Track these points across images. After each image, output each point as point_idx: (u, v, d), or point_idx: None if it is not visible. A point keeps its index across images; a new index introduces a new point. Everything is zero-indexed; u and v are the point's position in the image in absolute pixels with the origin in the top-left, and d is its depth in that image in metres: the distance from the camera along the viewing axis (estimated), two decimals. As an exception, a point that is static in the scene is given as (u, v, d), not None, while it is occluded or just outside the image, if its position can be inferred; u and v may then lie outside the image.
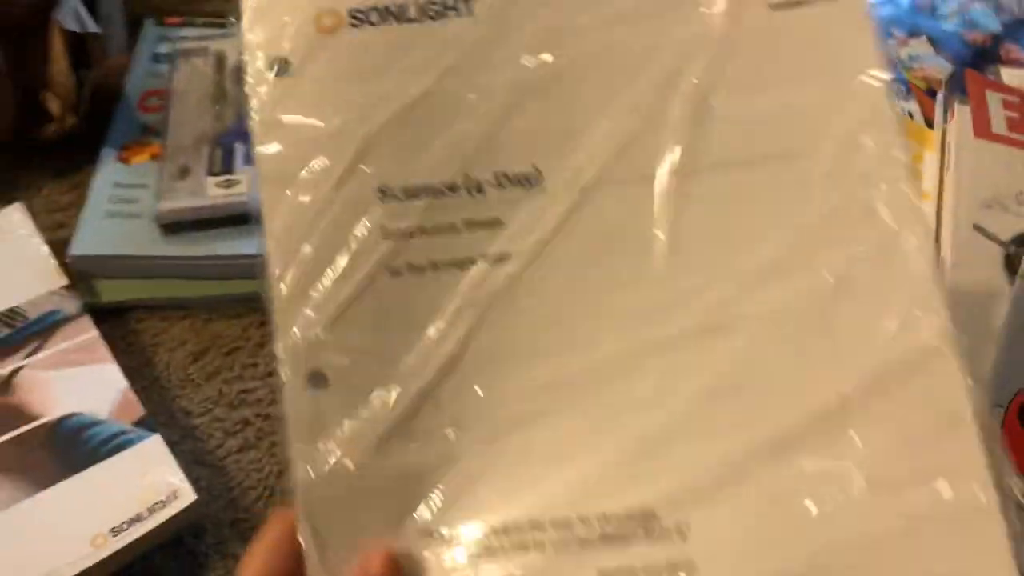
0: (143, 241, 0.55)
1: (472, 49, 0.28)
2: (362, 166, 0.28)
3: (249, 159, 0.57)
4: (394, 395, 0.26)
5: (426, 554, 0.25)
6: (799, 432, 0.25)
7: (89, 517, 0.45)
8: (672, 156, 0.27)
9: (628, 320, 0.26)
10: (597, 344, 0.26)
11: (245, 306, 0.57)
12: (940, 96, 0.63)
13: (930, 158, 0.59)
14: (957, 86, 0.61)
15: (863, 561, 0.24)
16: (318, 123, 0.28)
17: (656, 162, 0.27)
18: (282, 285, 0.27)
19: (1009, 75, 0.70)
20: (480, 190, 0.27)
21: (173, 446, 0.50)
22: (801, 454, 0.24)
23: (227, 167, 0.57)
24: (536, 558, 0.24)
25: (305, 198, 0.28)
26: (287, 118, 0.29)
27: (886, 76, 0.28)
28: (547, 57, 0.28)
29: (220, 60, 0.63)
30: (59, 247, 0.55)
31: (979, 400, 0.26)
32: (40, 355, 0.51)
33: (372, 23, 0.28)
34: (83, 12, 0.61)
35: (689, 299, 0.26)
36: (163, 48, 0.65)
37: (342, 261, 0.27)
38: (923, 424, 0.25)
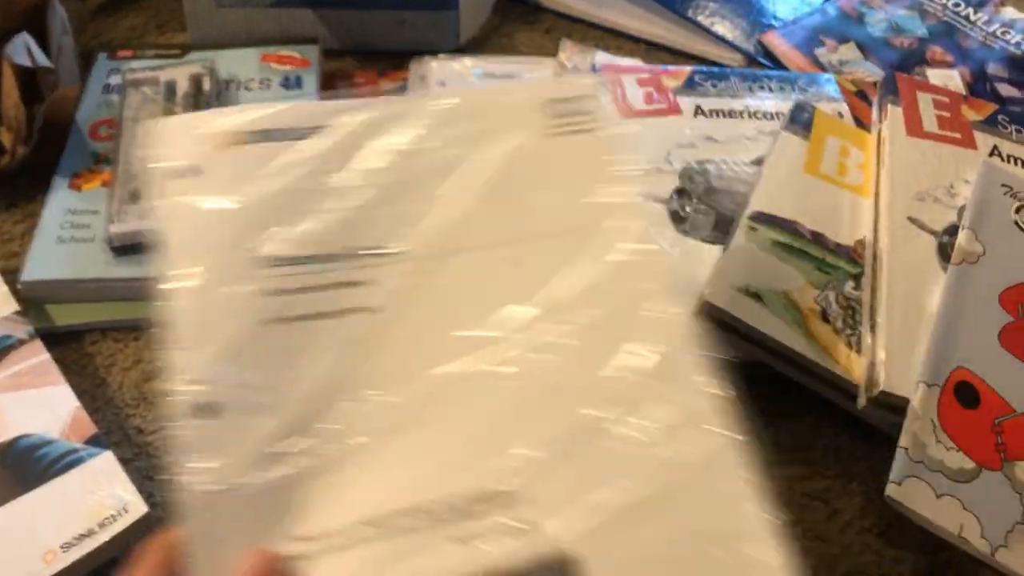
0: (95, 264, 0.56)
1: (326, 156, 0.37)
2: (253, 243, 0.35)
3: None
4: (270, 422, 0.31)
5: (298, 557, 0.29)
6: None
7: (41, 534, 0.45)
8: (477, 234, 0.37)
9: (450, 356, 0.34)
10: (430, 374, 0.33)
11: (198, 324, 0.58)
12: (875, 99, 0.66)
13: (856, 153, 0.61)
14: (890, 88, 0.64)
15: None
16: (225, 205, 0.36)
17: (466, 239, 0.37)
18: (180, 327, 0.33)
19: (935, 76, 0.73)
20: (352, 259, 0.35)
21: (126, 463, 0.51)
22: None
23: (176, 189, 0.58)
24: (402, 541, 0.29)
25: (203, 266, 0.35)
26: (192, 204, 0.36)
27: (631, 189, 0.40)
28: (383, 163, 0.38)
29: (170, 87, 0.65)
30: (11, 275, 0.56)
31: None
32: (-9, 379, 0.51)
33: (249, 143, 0.38)
34: (34, 47, 0.62)
35: (485, 344, 0.34)
36: (114, 80, 0.67)
37: (233, 313, 0.33)
38: None
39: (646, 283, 0.37)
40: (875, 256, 0.54)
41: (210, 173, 0.36)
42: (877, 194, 0.57)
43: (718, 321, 0.53)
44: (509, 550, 0.29)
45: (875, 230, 0.56)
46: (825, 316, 0.53)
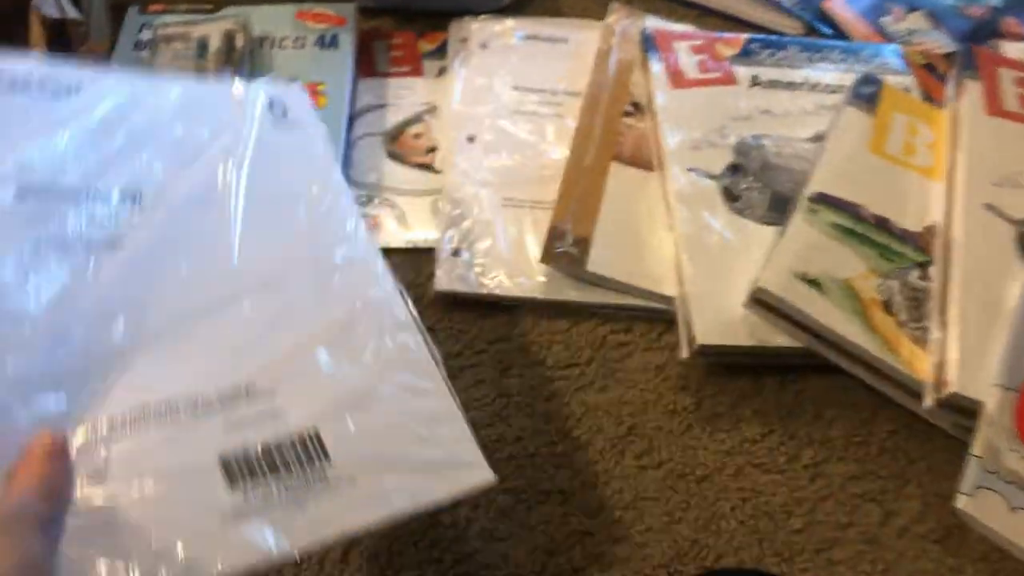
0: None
1: None
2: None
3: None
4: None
5: (77, 439, 0.35)
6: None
7: None
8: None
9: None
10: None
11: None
12: (951, 73, 0.61)
13: (926, 132, 0.57)
14: (967, 63, 0.59)
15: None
16: None
17: None
18: None
19: (1009, 49, 0.68)
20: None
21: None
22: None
23: (207, 151, 0.56)
24: (172, 427, 0.36)
25: None
26: None
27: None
28: None
29: (202, 45, 0.62)
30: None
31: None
32: None
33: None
34: (63, -1, 0.60)
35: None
36: (146, 35, 0.65)
37: None
38: None
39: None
40: (947, 245, 0.51)
41: None
42: (951, 178, 0.53)
43: (770, 308, 0.50)
44: (267, 431, 0.37)
45: (948, 217, 0.52)
46: (888, 307, 0.49)
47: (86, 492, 0.34)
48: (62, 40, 0.60)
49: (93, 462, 0.35)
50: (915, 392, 0.48)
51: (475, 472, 0.40)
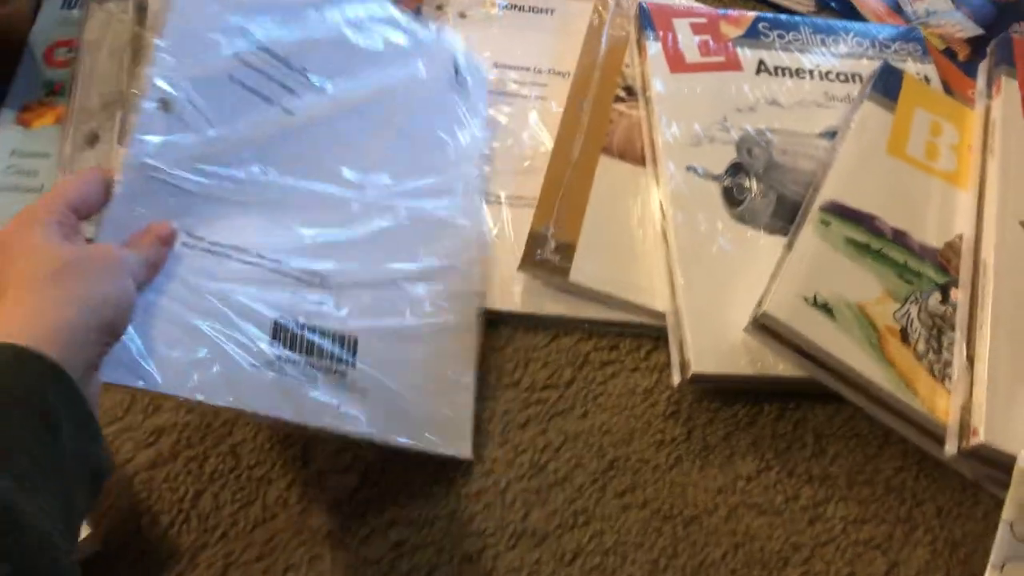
0: (42, 221, 0.48)
1: None
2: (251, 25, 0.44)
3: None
4: (205, 144, 0.40)
5: (185, 250, 0.38)
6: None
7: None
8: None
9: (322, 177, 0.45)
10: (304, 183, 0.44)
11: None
12: (983, 68, 0.55)
13: (950, 132, 0.51)
14: (1003, 55, 0.52)
15: None
16: None
17: None
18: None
19: (1041, 36, 0.62)
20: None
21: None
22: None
23: (140, 135, 0.49)
24: (253, 272, 0.40)
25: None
26: None
27: None
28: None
29: (141, 6, 0.54)
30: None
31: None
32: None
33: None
34: (-23, -51, 0.52)
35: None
36: (76, -8, 0.57)
37: (213, 55, 0.42)
38: None
39: None
40: (976, 267, 0.45)
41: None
42: (982, 190, 0.47)
43: (774, 335, 0.44)
44: (319, 317, 0.42)
45: (977, 235, 0.46)
46: (905, 336, 0.44)
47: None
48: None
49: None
50: (933, 434, 0.43)
51: (461, 444, 0.45)
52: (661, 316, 0.49)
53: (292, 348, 0.40)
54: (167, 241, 0.37)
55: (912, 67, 0.58)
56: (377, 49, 0.49)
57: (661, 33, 0.57)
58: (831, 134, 0.53)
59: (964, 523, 0.46)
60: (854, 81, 0.56)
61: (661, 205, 0.51)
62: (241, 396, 0.38)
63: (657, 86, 0.54)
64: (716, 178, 0.51)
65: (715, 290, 0.47)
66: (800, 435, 0.48)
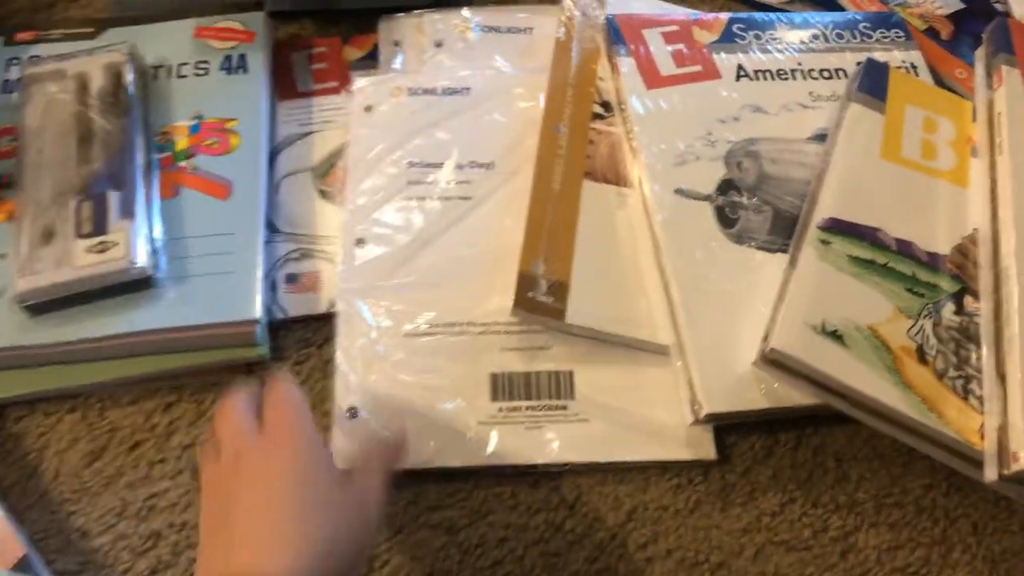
0: (6, 328, 0.45)
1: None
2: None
3: (127, 210, 0.47)
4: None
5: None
6: None
7: None
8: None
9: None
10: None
11: (145, 388, 0.47)
12: (980, 56, 0.52)
13: (946, 127, 0.49)
14: (1000, 43, 0.49)
15: None
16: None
17: None
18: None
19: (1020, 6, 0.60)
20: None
21: (70, 581, 0.42)
22: None
23: (100, 226, 0.46)
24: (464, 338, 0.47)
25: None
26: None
27: None
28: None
29: (82, 85, 0.51)
30: (-93, 340, 0.45)
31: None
32: None
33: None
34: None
35: None
36: (14, 73, 0.54)
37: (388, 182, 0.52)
38: None
39: None
40: (997, 276, 0.43)
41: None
42: (995, 191, 0.44)
43: (786, 368, 0.42)
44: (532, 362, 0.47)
45: (995, 241, 0.43)
46: (923, 355, 0.42)
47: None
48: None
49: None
50: (966, 456, 0.41)
51: (699, 448, 0.45)
52: (666, 349, 0.47)
53: (511, 396, 0.46)
54: (397, 459, 0.39)
55: (897, 56, 0.55)
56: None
57: (632, 47, 0.54)
58: (821, 137, 0.51)
59: (1001, 538, 0.44)
60: (838, 76, 0.54)
61: (652, 233, 0.48)
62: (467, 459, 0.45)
63: (634, 105, 0.52)
64: (707, 198, 0.49)
65: (720, 322, 0.45)
66: (821, 461, 0.46)
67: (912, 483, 0.45)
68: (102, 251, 0.46)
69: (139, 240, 0.46)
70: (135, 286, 0.46)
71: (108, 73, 0.52)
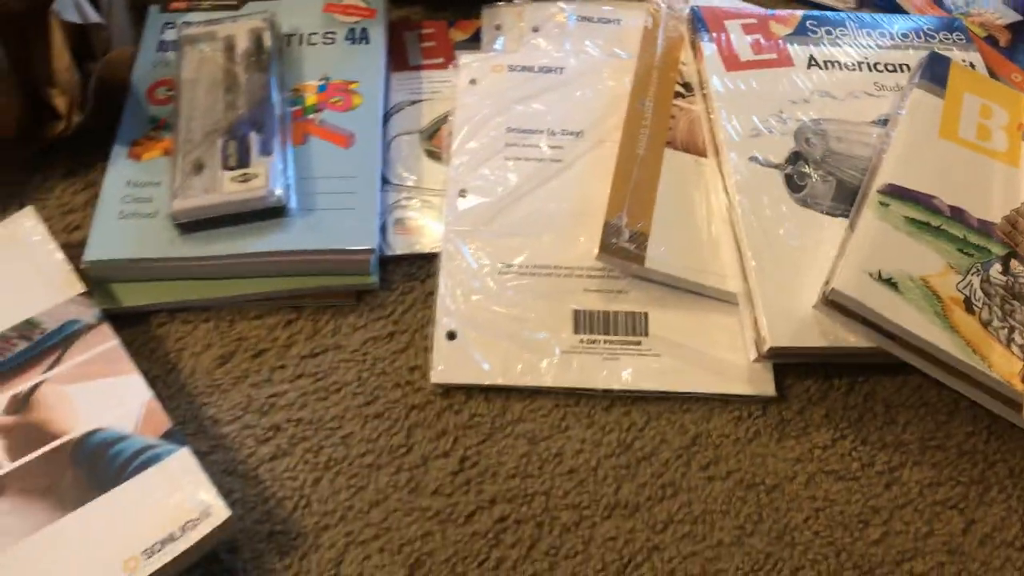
0: (160, 242, 0.52)
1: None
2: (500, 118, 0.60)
3: (265, 149, 0.54)
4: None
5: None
6: None
7: (120, 539, 0.43)
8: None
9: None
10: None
11: (269, 306, 0.54)
12: None
13: (1000, 113, 0.54)
14: None
15: None
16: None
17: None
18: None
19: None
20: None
21: (202, 457, 0.48)
22: None
23: (243, 160, 0.53)
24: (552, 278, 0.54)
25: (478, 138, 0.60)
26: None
27: None
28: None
29: (229, 45, 0.59)
30: (74, 250, 0.53)
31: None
32: (60, 368, 0.48)
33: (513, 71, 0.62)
34: (83, 2, 0.58)
35: None
36: (169, 35, 0.62)
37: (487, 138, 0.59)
38: None
39: None
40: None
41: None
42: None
43: (843, 310, 0.47)
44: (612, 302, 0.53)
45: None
46: (969, 306, 0.47)
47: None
48: (85, 46, 0.58)
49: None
50: (1006, 398, 0.45)
51: (760, 385, 0.50)
52: (733, 296, 0.52)
53: (591, 330, 0.52)
54: None
55: (957, 55, 0.60)
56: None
57: (715, 34, 0.60)
58: (883, 121, 0.56)
59: (1037, 481, 0.48)
60: (902, 71, 0.59)
61: (727, 193, 0.54)
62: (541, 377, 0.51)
63: (715, 84, 0.57)
64: (777, 166, 0.54)
65: (784, 270, 0.50)
66: (871, 406, 0.51)
67: (956, 430, 0.50)
68: (244, 180, 0.53)
69: (276, 174, 0.53)
70: (270, 213, 0.53)
71: (252, 36, 0.60)
